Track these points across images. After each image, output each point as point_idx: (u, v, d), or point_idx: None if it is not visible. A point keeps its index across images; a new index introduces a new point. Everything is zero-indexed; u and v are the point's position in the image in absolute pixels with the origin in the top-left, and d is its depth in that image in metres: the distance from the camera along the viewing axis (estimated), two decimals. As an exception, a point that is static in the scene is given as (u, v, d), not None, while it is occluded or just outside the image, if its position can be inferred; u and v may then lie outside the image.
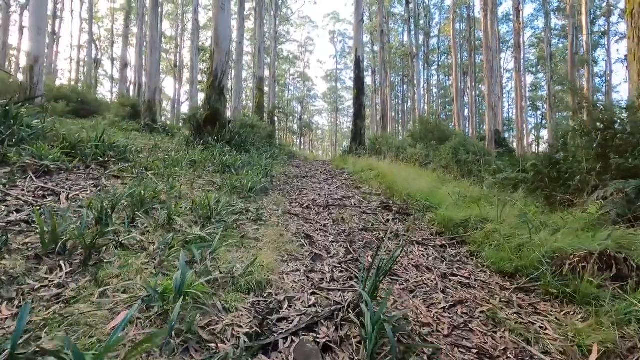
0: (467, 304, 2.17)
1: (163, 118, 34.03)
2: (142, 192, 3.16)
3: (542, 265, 2.57)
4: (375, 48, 31.77)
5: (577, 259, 2.46)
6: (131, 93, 24.76)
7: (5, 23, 19.65)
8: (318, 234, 3.38)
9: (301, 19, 39.91)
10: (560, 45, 30.20)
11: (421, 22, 29.08)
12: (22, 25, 24.60)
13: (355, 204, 4.76)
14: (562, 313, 2.13)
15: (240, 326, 1.59)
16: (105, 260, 1.99)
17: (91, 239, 2.02)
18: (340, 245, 3.10)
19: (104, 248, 2.10)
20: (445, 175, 7.14)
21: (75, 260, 1.97)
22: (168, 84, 43.63)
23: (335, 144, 43.07)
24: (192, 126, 9.07)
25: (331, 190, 5.62)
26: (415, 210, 4.48)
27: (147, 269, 1.97)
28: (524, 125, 25.55)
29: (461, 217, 3.83)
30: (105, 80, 39.36)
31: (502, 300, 2.28)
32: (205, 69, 34.88)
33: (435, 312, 2.03)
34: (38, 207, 2.51)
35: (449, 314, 2.04)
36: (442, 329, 1.85)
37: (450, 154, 8.08)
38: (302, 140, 43.45)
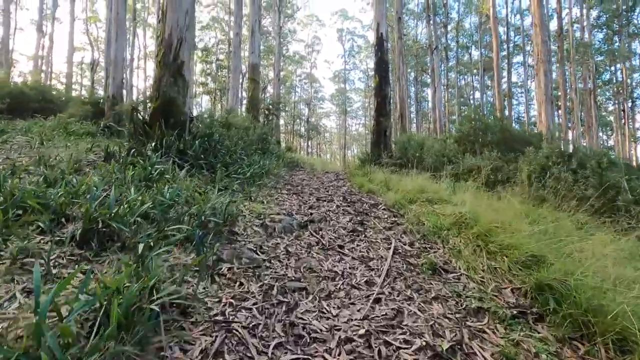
0: None
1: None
2: None
3: None
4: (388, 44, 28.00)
5: None
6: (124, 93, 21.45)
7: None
8: None
9: (307, 17, 36.24)
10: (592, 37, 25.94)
11: (438, 15, 25.24)
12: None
13: None
14: None
15: None
16: None
17: None
18: None
19: None
20: (577, 213, 3.38)
21: None
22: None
23: (344, 147, 39.18)
24: (133, 126, 5.45)
25: (386, 299, 1.91)
26: None
27: None
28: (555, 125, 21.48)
29: None
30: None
31: None
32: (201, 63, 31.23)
33: None
34: None
35: None
36: None
37: (567, 172, 4.32)
38: (309, 143, 39.71)
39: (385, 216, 3.78)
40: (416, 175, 6.00)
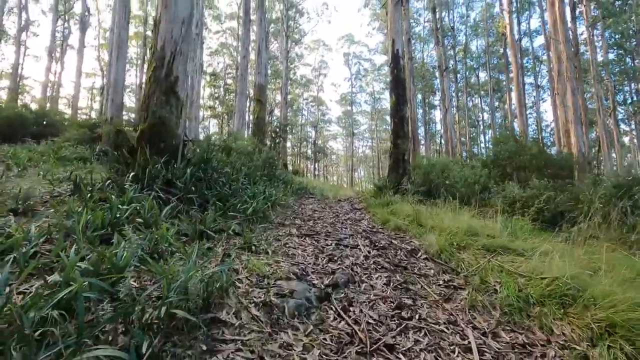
0: None
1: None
2: None
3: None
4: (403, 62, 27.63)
5: None
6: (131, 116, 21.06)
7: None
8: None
9: (314, 42, 36.44)
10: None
11: (447, 37, 24.95)
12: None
13: None
14: None
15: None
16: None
17: None
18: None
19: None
20: None
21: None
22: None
23: (352, 170, 38.32)
24: (118, 152, 4.56)
25: None
26: None
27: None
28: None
29: None
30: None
31: None
32: (210, 89, 31.12)
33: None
34: None
35: None
36: None
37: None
38: (316, 165, 38.95)
39: (432, 272, 2.75)
40: (448, 207, 4.99)
